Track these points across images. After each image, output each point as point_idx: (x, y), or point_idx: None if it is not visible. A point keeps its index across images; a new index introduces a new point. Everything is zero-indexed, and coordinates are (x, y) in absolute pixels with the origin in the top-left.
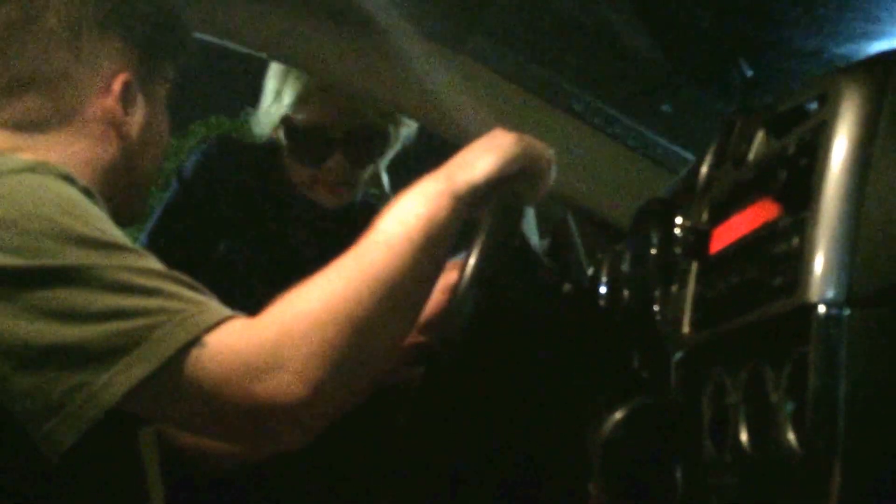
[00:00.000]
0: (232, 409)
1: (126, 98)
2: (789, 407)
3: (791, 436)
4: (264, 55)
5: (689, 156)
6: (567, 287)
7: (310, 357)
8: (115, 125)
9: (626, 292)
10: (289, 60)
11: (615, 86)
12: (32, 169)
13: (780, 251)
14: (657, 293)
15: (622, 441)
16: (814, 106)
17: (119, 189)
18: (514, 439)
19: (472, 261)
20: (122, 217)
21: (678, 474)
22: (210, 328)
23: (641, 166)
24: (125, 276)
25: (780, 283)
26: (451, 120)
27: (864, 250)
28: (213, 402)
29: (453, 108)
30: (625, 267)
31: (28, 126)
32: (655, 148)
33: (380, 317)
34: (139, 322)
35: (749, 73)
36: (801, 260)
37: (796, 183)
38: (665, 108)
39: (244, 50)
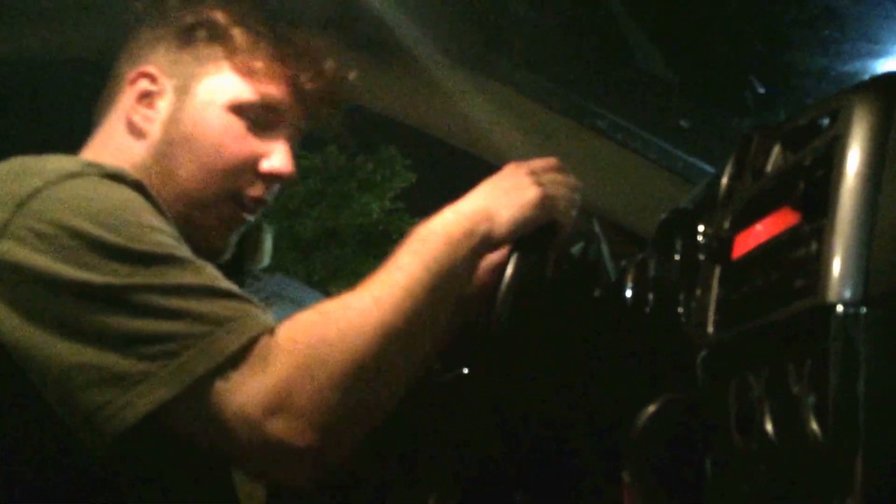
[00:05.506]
0: (247, 441)
1: (147, 89)
2: (811, 399)
3: (814, 425)
4: None
5: (707, 167)
6: (598, 292)
7: (320, 403)
8: (132, 119)
9: (651, 296)
10: None
11: (637, 105)
12: (77, 174)
13: (800, 255)
14: (681, 296)
15: (655, 432)
16: (826, 122)
17: (167, 203)
18: (551, 430)
19: (508, 271)
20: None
21: (707, 462)
22: (233, 355)
23: (662, 178)
24: (154, 298)
25: (800, 284)
26: (480, 139)
27: (879, 253)
28: (229, 432)
29: (482, 129)
30: (650, 273)
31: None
32: (675, 160)
33: (392, 362)
34: (164, 346)
35: (761, 91)
36: (820, 263)
37: (814, 192)
38: (683, 123)
39: None
